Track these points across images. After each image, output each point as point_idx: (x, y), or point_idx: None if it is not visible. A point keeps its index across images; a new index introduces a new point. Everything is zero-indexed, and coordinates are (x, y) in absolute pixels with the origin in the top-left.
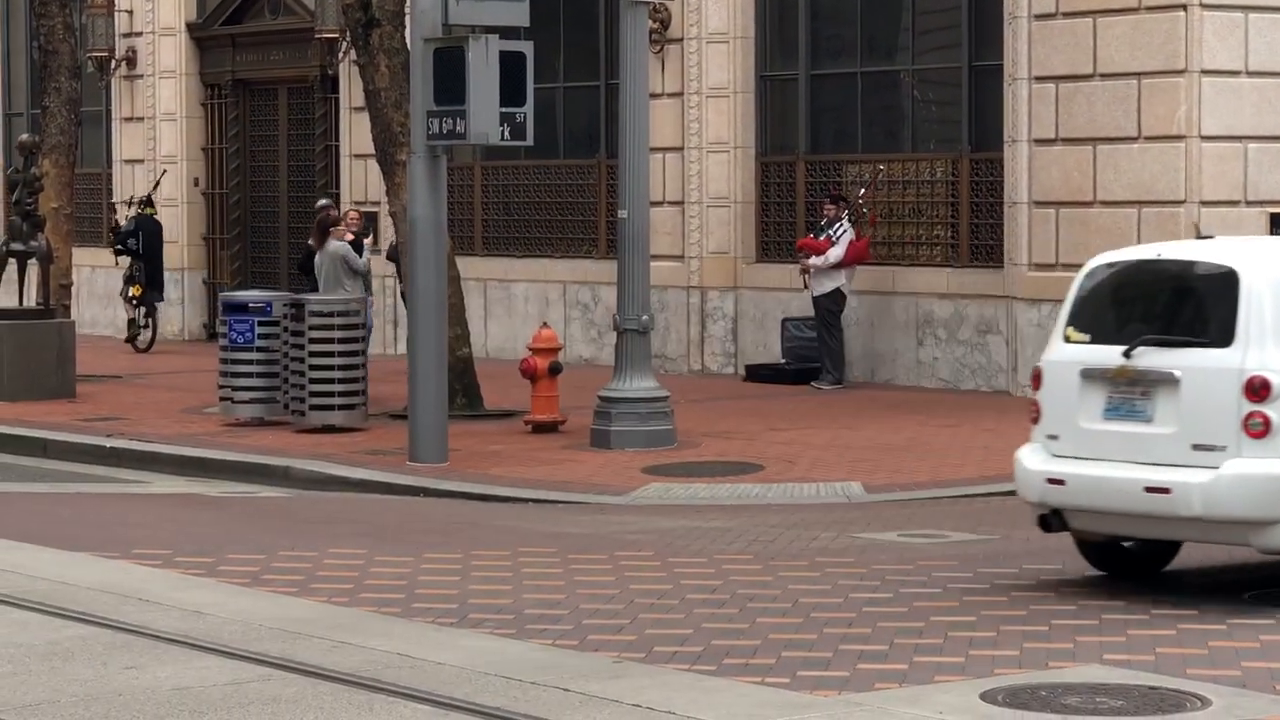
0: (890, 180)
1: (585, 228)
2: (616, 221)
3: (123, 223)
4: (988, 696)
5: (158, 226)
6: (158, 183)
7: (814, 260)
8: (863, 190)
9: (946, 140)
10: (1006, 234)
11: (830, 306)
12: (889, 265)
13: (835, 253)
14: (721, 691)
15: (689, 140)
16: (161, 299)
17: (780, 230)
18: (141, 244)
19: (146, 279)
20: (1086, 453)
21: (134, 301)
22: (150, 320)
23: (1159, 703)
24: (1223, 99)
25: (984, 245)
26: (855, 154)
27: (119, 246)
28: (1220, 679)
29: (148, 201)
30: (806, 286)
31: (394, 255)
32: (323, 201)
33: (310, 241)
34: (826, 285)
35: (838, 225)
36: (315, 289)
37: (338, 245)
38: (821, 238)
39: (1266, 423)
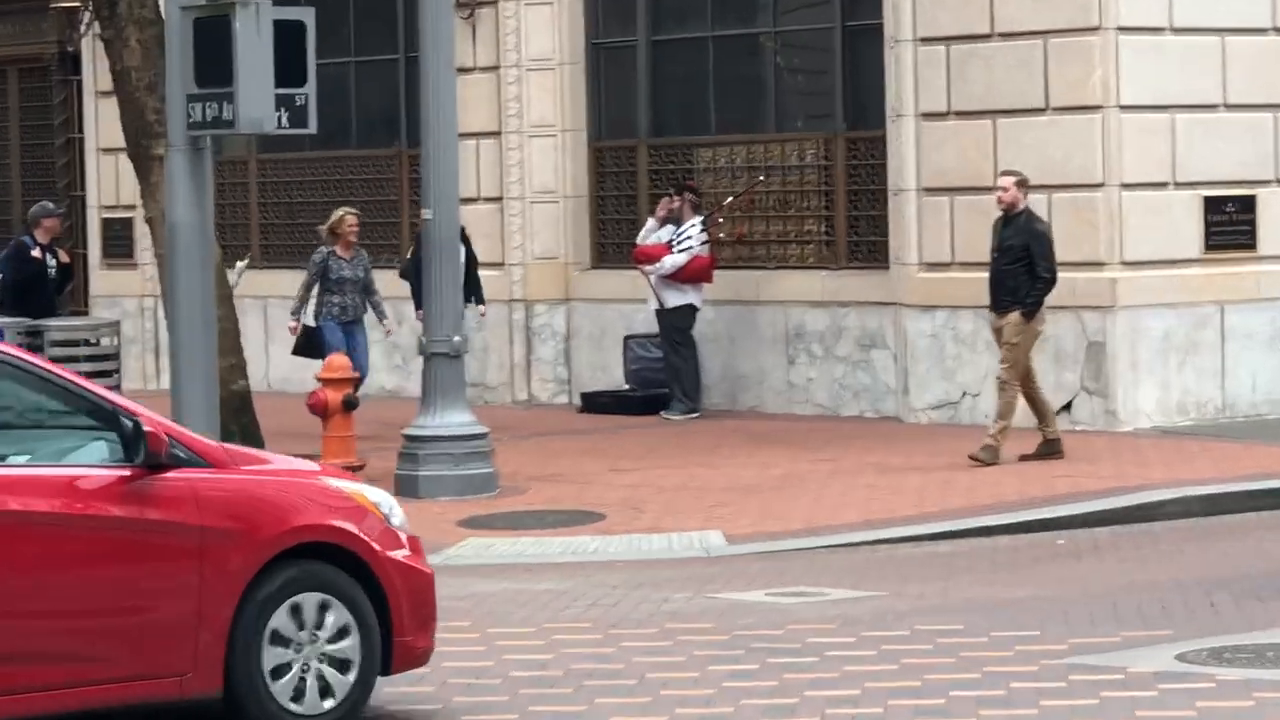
0: (751, 165)
1: (384, 231)
2: (420, 223)
3: None
4: None
5: None
6: None
7: (647, 268)
8: (730, 200)
9: (817, 117)
10: (892, 228)
11: (678, 323)
12: (752, 268)
13: (673, 260)
14: None
15: (507, 123)
16: None
17: (620, 229)
18: None
19: None
20: None
21: None
22: None
23: None
24: (1145, 62)
25: (865, 242)
26: (708, 135)
27: None
28: None
29: None
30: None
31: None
32: (47, 205)
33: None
34: (672, 299)
35: (688, 227)
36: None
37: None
38: (659, 241)
39: None
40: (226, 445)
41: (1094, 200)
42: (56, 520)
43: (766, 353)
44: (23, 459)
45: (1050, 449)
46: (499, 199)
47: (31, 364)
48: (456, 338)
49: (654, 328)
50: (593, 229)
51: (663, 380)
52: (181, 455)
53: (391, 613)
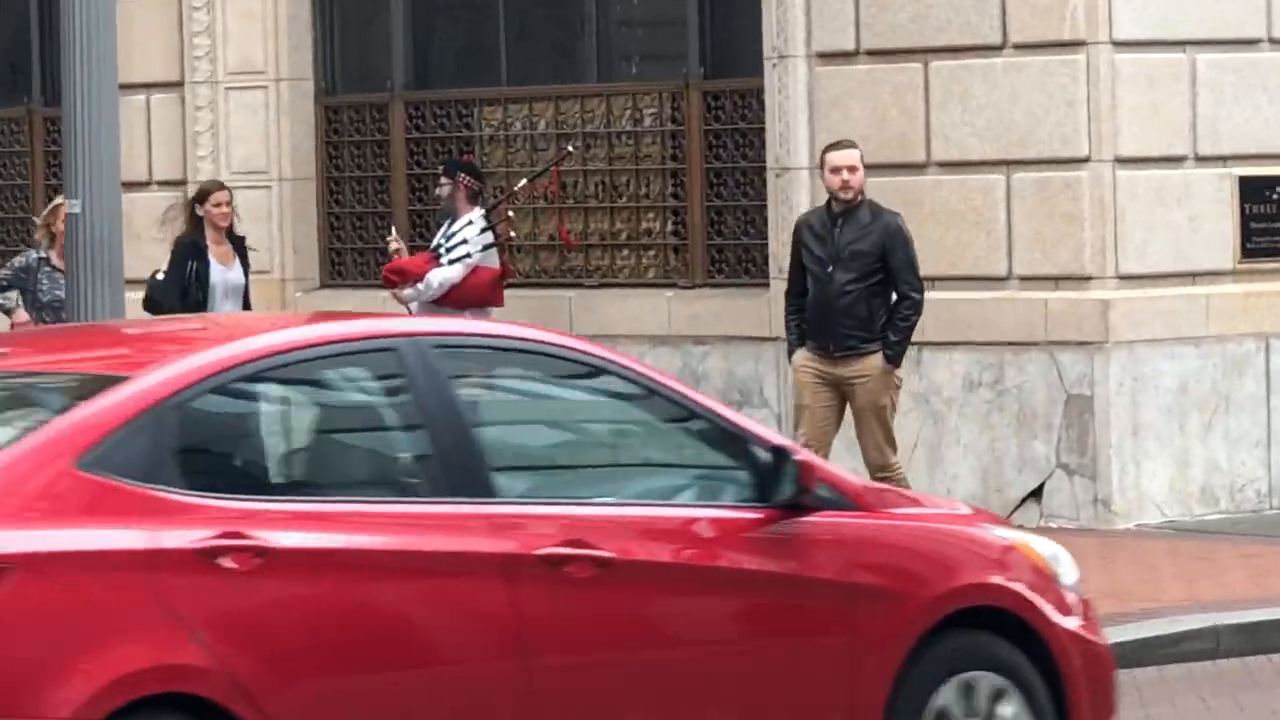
0: (561, 132)
1: (12, 229)
2: (65, 218)
3: None
4: None
5: None
6: None
7: (406, 291)
8: (524, 182)
9: (661, 58)
10: (772, 225)
11: None
12: (564, 285)
13: (443, 275)
14: None
15: (193, 69)
16: None
17: (364, 229)
18: None
19: None
20: None
21: None
22: None
23: None
24: None
25: (734, 246)
26: (496, 87)
27: None
28: None
29: None
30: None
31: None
32: None
33: None
34: None
35: (464, 225)
36: None
37: None
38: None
39: None
40: (867, 482)
41: (1076, 183)
42: (673, 576)
43: None
44: (608, 499)
45: None
46: (181, 183)
47: (638, 373)
48: None
49: None
50: (323, 227)
51: None
52: (824, 494)
53: (1069, 704)
